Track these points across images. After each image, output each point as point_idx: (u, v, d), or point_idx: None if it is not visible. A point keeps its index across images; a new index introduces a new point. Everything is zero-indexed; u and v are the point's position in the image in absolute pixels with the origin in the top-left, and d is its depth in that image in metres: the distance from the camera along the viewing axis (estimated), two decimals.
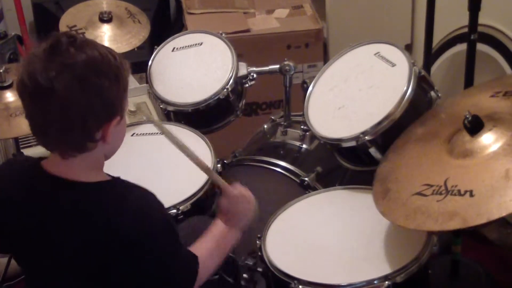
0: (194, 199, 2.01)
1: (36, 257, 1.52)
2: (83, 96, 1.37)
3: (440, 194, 1.60)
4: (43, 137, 1.44)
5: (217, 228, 1.69)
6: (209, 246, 1.64)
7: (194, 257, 1.57)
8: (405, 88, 1.96)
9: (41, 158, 1.52)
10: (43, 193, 1.47)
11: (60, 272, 1.50)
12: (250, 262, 1.98)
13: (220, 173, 2.14)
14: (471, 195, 1.54)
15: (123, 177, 1.91)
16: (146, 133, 2.29)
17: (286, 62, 2.40)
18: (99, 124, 1.42)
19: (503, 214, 1.47)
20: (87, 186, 1.46)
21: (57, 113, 1.37)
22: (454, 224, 1.53)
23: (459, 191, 1.57)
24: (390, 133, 1.95)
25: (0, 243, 1.58)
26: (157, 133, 2.24)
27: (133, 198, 1.46)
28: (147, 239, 1.43)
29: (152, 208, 1.47)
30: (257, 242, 1.89)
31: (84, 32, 2.73)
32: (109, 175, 1.53)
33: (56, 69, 1.35)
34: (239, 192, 1.72)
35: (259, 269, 1.92)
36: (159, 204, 1.50)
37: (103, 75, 1.39)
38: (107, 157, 1.55)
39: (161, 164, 2.13)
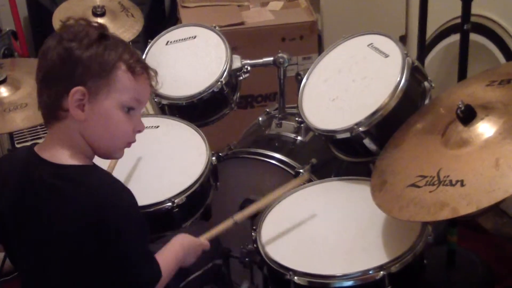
0: (190, 192, 2.01)
1: (20, 239, 1.55)
2: (52, 54, 1.47)
3: (433, 184, 1.61)
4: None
5: (178, 244, 1.73)
6: (169, 259, 1.66)
7: (158, 265, 1.58)
8: (398, 78, 1.96)
9: (35, 144, 1.58)
10: (28, 174, 1.52)
11: (43, 254, 1.53)
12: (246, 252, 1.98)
13: (215, 166, 2.14)
14: (462, 184, 1.55)
15: (118, 170, 1.93)
16: None
17: (280, 55, 2.39)
18: (61, 88, 1.47)
19: (492, 202, 1.48)
20: (67, 167, 1.49)
21: (39, 73, 1.51)
22: (444, 214, 1.54)
23: (450, 181, 1.58)
24: (384, 124, 1.95)
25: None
26: (151, 126, 2.24)
27: (103, 185, 1.49)
28: (114, 226, 1.45)
29: (121, 199, 1.49)
30: (253, 234, 1.89)
31: None
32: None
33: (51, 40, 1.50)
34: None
35: (255, 261, 1.92)
36: (131, 198, 1.51)
37: (77, 40, 1.47)
38: (94, 147, 1.54)
39: (156, 157, 2.14)
